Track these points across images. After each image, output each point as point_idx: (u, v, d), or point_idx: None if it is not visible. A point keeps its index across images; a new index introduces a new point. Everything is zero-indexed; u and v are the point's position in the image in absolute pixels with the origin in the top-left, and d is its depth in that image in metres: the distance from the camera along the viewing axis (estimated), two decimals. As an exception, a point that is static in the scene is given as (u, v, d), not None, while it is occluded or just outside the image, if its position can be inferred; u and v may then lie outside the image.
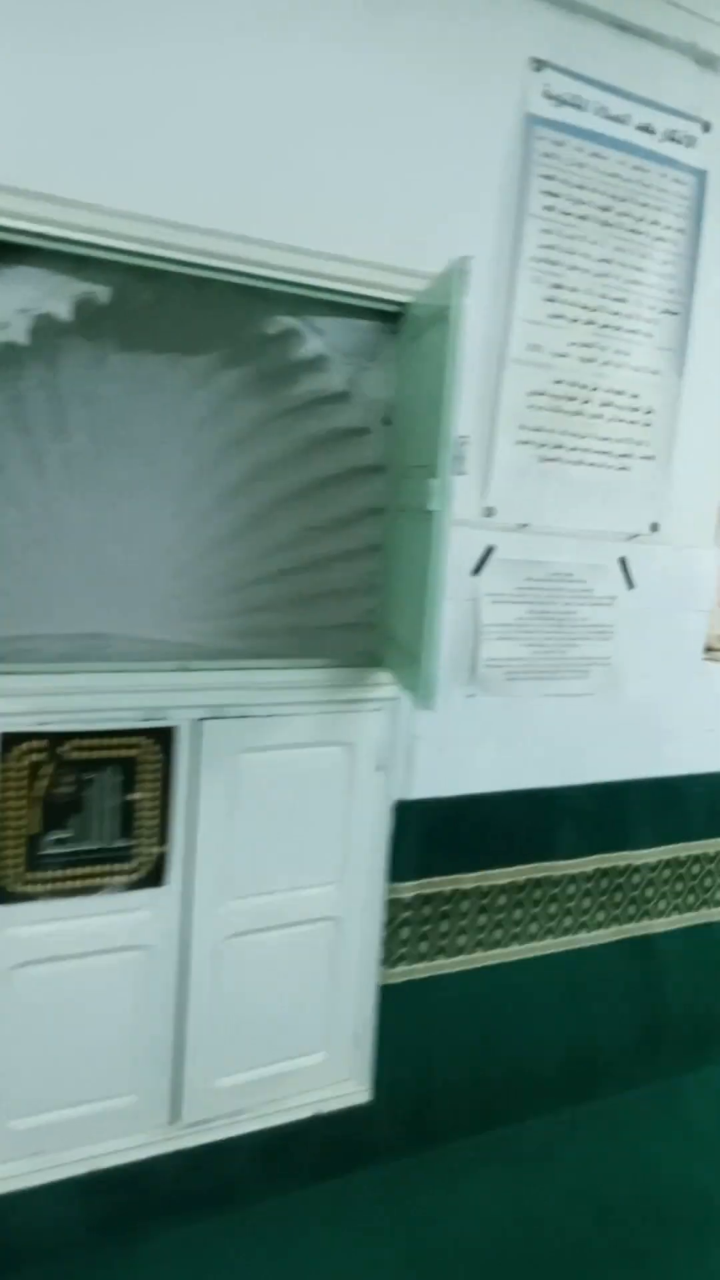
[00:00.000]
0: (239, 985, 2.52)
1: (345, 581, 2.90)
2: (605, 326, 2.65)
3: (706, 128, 2.68)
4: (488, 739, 2.71)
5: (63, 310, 2.24)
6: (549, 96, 2.46)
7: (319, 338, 2.53)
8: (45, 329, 2.29)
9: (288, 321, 2.50)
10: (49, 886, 2.26)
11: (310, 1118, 2.65)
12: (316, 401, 2.69)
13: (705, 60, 2.63)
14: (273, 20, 2.11)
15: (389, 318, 2.47)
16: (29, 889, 2.24)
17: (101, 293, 2.28)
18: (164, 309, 2.44)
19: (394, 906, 2.68)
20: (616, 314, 2.66)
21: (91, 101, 1.96)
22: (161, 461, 2.93)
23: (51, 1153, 2.36)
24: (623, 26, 2.51)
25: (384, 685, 2.55)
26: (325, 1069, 2.69)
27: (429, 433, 2.03)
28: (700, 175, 2.70)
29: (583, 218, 2.56)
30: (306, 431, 2.79)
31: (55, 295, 2.22)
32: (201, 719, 2.36)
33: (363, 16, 2.21)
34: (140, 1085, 2.45)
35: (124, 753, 2.29)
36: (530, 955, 2.90)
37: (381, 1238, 2.51)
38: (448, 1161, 2.79)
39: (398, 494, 2.39)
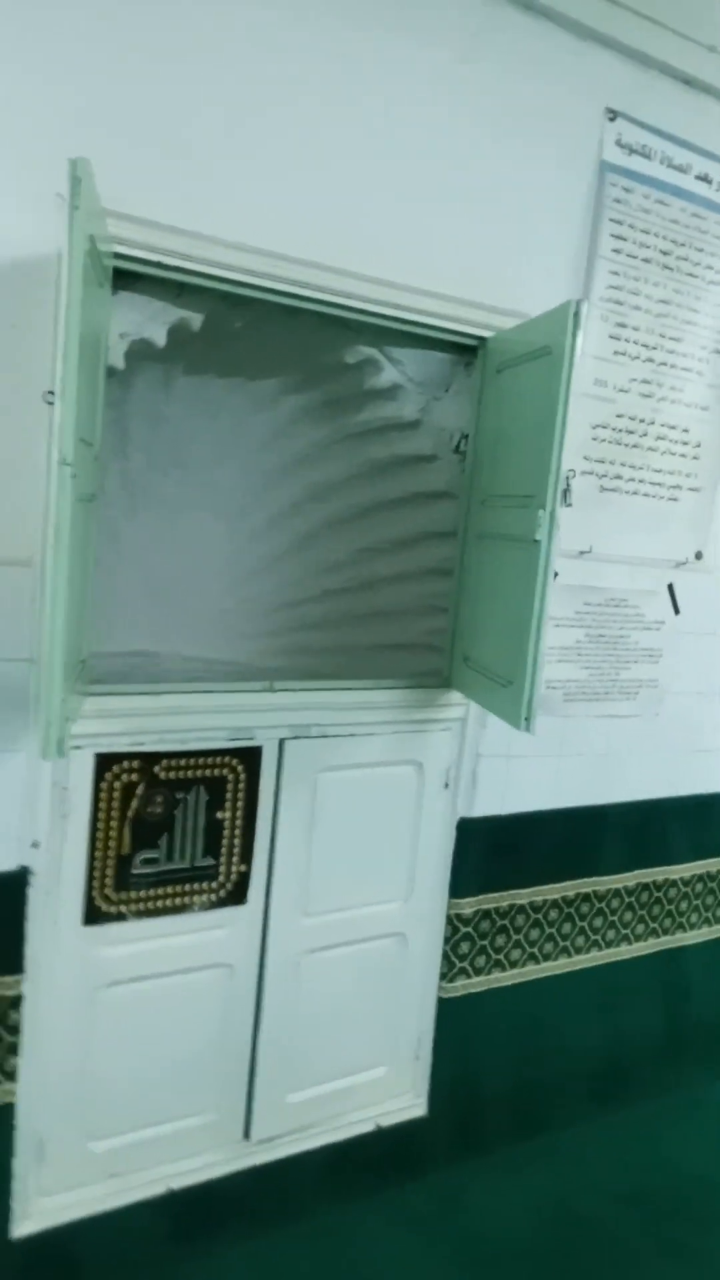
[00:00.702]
0: (310, 1002, 2.56)
1: (398, 602, 2.97)
2: (662, 364, 2.77)
3: None
4: (542, 758, 2.79)
5: (159, 336, 2.27)
6: (621, 145, 2.57)
7: (395, 368, 2.60)
8: (136, 353, 2.32)
9: (367, 351, 2.56)
10: (137, 906, 2.27)
11: (372, 1131, 2.70)
12: (385, 428, 2.76)
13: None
14: (369, 68, 2.17)
15: (464, 351, 2.55)
16: (118, 909, 2.25)
17: (195, 319, 2.31)
18: (250, 336, 2.48)
19: (455, 922, 2.74)
20: (672, 352, 2.78)
21: (200, 136, 2.01)
22: (218, 482, 2.96)
23: (130, 1174, 2.36)
24: (688, 81, 2.63)
25: (453, 706, 2.62)
26: (386, 1083, 2.74)
27: (531, 464, 2.11)
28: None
29: (646, 261, 2.68)
30: (369, 456, 2.86)
31: (154, 321, 2.25)
32: (284, 739, 2.40)
33: (455, 67, 2.29)
34: (217, 1103, 2.48)
35: (212, 772, 2.32)
36: (577, 968, 2.99)
37: (438, 1242, 2.56)
38: (496, 1167, 2.85)
39: (478, 521, 2.46)
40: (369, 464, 2.87)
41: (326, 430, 2.88)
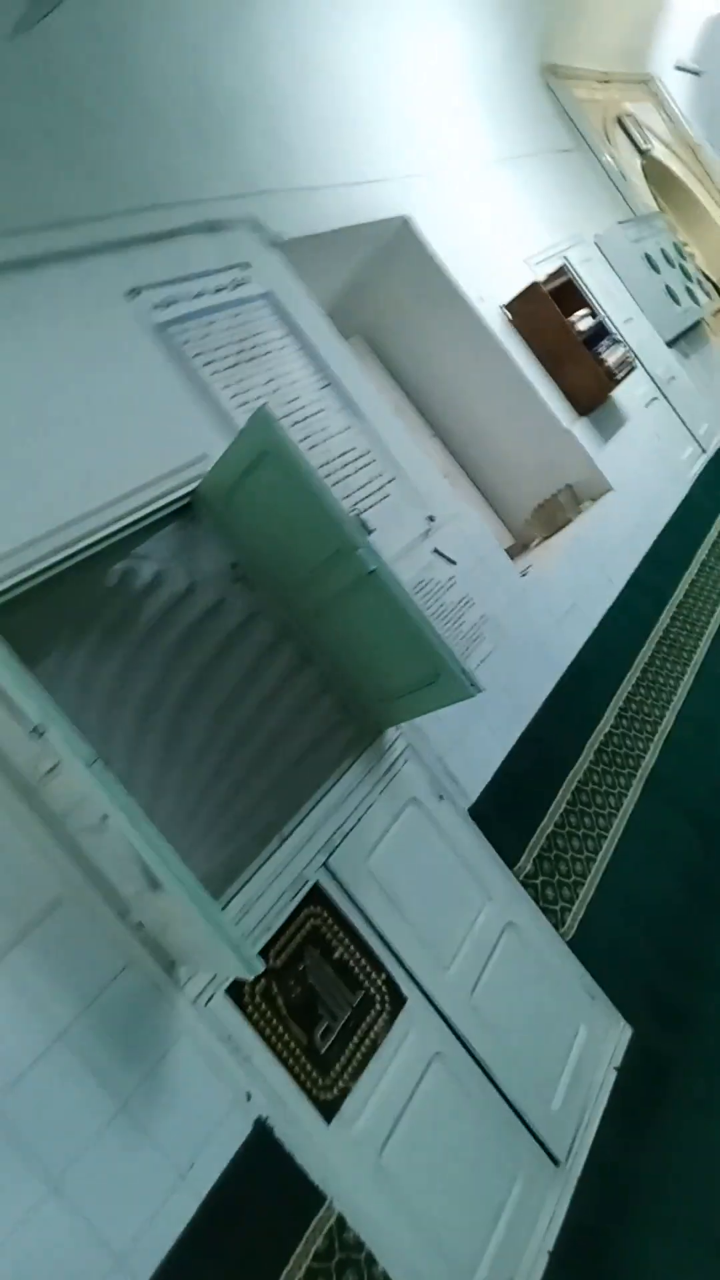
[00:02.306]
0: (505, 1025, 2.76)
1: (282, 719, 3.24)
2: (302, 420, 3.29)
3: (246, 266, 3.44)
4: (476, 721, 3.20)
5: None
6: (156, 307, 3.06)
7: (147, 563, 2.90)
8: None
9: (118, 568, 2.84)
10: (347, 1074, 2.38)
11: (617, 1073, 2.94)
12: (168, 611, 3.04)
13: (214, 227, 3.39)
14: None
15: (185, 511, 2.90)
16: (338, 1089, 2.35)
17: (-5, 642, 2.48)
18: (36, 623, 2.68)
19: (529, 881, 3.06)
20: (302, 408, 3.32)
21: None
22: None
23: (517, 1271, 2.45)
24: (155, 238, 3.18)
25: (395, 741, 2.96)
26: (593, 1035, 2.99)
27: (318, 530, 2.51)
28: (268, 294, 3.45)
29: (234, 365, 3.19)
30: (170, 640, 3.12)
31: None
32: (325, 862, 2.61)
33: (14, 345, 2.67)
34: (519, 1158, 2.61)
35: (306, 929, 2.49)
36: (620, 835, 3.42)
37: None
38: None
39: (303, 604, 2.82)
40: (175, 646, 3.13)
41: (122, 652, 3.11)
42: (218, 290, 3.28)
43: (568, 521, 4.69)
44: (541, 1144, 2.68)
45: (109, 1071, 1.99)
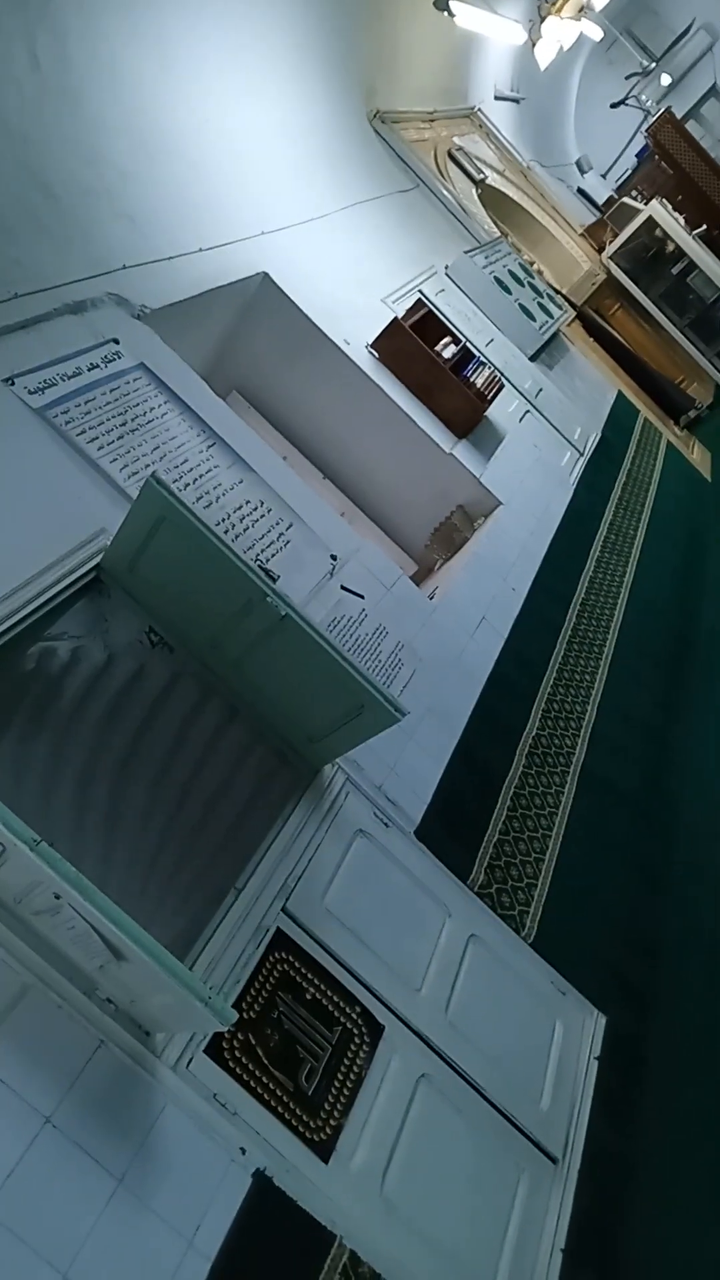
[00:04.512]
0: (481, 1033, 2.82)
1: (218, 776, 3.27)
2: (194, 481, 3.36)
3: (118, 341, 3.51)
4: (407, 743, 3.28)
5: None
6: (33, 392, 3.10)
7: (64, 641, 2.92)
8: None
9: (38, 647, 2.85)
10: (337, 1112, 2.41)
11: (599, 1062, 3.02)
12: (91, 685, 3.05)
13: (78, 308, 3.45)
14: None
15: (94, 584, 2.93)
16: (331, 1127, 2.37)
17: None
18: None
19: (483, 892, 3.14)
20: (192, 469, 3.39)
21: None
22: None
23: None
24: (22, 325, 3.23)
25: (333, 778, 3.01)
26: (571, 1028, 3.07)
27: (225, 584, 2.57)
28: (142, 366, 3.53)
29: (120, 437, 3.25)
30: (96, 714, 3.13)
31: None
32: (285, 904, 2.64)
33: None
34: (518, 1167, 2.66)
35: (275, 975, 2.51)
36: (564, 832, 3.54)
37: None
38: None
39: (223, 659, 2.87)
40: (103, 719, 3.14)
41: (50, 733, 3.10)
42: (91, 368, 3.34)
43: (465, 540, 4.85)
44: (537, 1145, 2.73)
45: (101, 1150, 1.99)
